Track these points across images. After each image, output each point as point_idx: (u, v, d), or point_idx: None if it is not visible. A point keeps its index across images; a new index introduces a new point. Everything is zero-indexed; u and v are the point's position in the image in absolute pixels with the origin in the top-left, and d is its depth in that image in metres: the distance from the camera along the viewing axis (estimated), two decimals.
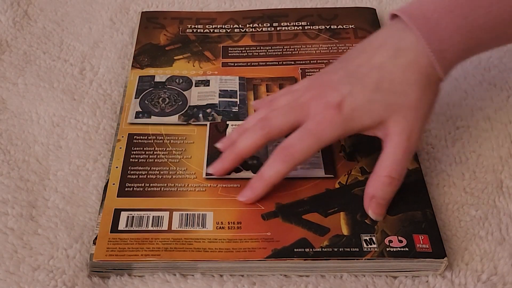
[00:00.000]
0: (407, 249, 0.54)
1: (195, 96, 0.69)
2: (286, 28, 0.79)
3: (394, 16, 0.58)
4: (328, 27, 0.79)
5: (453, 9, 0.55)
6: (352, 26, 0.78)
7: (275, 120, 0.58)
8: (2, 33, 0.78)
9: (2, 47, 0.76)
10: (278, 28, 0.79)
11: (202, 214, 0.57)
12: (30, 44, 0.77)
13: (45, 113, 0.68)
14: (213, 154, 0.62)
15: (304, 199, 0.58)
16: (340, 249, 0.54)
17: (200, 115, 0.67)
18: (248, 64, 0.74)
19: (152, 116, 0.66)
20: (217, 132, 0.65)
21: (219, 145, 0.61)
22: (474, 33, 0.56)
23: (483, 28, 0.56)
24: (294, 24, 0.79)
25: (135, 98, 0.68)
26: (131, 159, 0.62)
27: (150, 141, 0.64)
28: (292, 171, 0.57)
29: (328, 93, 0.56)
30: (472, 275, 0.55)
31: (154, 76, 0.71)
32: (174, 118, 0.66)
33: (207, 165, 0.61)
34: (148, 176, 0.60)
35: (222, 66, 0.73)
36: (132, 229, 0.56)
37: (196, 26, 0.79)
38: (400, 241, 0.55)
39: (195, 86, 0.70)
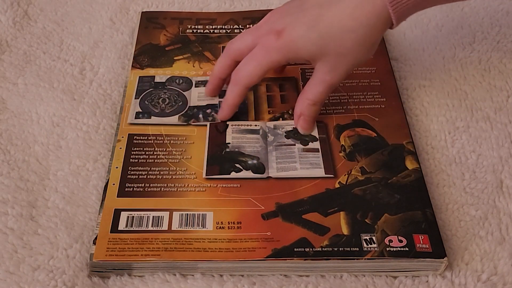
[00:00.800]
0: (407, 249, 0.54)
1: (195, 97, 0.69)
2: None
3: None
4: None
5: None
6: None
7: (235, 42, 0.65)
8: (2, 33, 0.78)
9: (2, 47, 0.76)
10: None
11: (202, 214, 0.57)
12: (30, 44, 0.77)
13: (45, 113, 0.68)
14: (213, 154, 0.62)
15: (304, 199, 0.58)
16: (340, 249, 0.54)
17: (200, 115, 0.67)
18: None
19: (152, 117, 0.66)
20: (217, 132, 0.65)
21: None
22: None
23: None
24: None
25: (135, 98, 0.68)
26: (131, 160, 0.62)
27: (150, 142, 0.64)
28: (245, 92, 0.63)
29: (275, 20, 0.62)
30: (472, 275, 0.55)
31: (154, 76, 0.71)
32: (174, 119, 0.66)
33: (207, 165, 0.61)
34: (148, 176, 0.60)
35: None
36: (132, 229, 0.56)
37: (196, 27, 0.79)
38: (400, 241, 0.55)
39: (195, 86, 0.70)
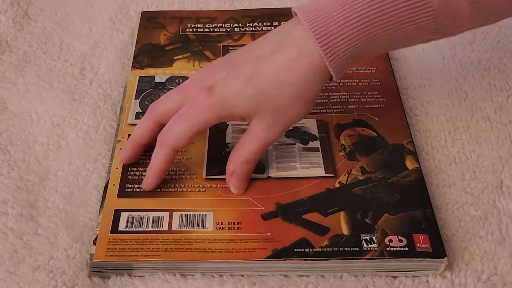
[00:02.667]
0: (407, 248, 0.54)
1: None
2: None
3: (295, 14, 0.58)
4: None
5: (344, 3, 0.54)
6: None
7: (160, 103, 0.59)
8: (2, 33, 0.78)
9: (2, 47, 0.76)
10: (275, 25, 0.79)
11: (202, 214, 0.57)
12: (30, 44, 0.77)
13: (45, 113, 0.68)
14: (213, 155, 0.62)
15: (304, 199, 0.58)
16: (340, 249, 0.54)
17: None
18: None
19: None
20: (217, 132, 0.65)
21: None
22: (367, 28, 0.53)
23: (376, 23, 0.53)
24: None
25: (135, 98, 0.68)
26: None
27: None
28: (174, 155, 0.58)
29: (205, 76, 0.57)
30: (472, 275, 0.55)
31: (154, 76, 0.71)
32: None
33: (208, 165, 0.61)
34: None
35: None
36: (132, 229, 0.56)
37: (196, 26, 0.79)
38: (400, 241, 0.55)
39: None
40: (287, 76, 0.55)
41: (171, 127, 0.57)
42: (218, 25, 0.79)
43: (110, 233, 0.55)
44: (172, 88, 0.69)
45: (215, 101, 0.55)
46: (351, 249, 0.54)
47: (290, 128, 0.64)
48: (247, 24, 0.79)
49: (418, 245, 0.54)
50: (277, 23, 0.79)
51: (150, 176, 0.59)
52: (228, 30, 0.78)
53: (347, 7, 0.53)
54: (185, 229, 0.56)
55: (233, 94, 0.55)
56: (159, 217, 0.57)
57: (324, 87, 0.70)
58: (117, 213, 0.57)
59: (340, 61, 0.54)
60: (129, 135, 0.63)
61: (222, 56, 0.74)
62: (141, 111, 0.67)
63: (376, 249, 0.54)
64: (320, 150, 0.63)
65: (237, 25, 0.79)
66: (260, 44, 0.57)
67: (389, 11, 0.53)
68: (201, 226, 0.56)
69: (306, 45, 0.54)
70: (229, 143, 0.64)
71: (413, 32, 0.54)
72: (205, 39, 0.77)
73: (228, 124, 0.65)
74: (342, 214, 0.57)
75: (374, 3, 0.53)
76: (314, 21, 0.54)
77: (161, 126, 0.59)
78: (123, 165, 0.61)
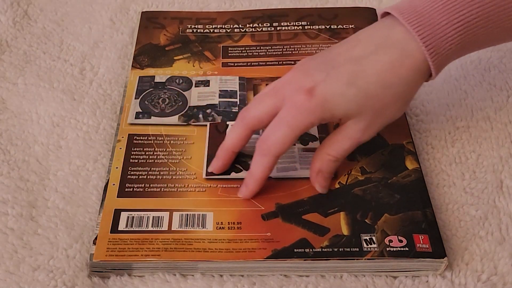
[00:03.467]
0: (407, 249, 0.54)
1: (195, 97, 0.69)
2: (286, 28, 0.79)
3: (384, 15, 0.58)
4: (328, 27, 0.78)
5: (445, 3, 0.54)
6: (352, 26, 0.78)
7: (252, 109, 0.58)
8: (2, 33, 0.78)
9: (2, 47, 0.76)
10: (278, 28, 0.79)
11: (202, 214, 0.57)
12: (30, 44, 0.77)
13: (45, 113, 0.68)
14: (213, 155, 0.62)
15: (304, 199, 0.58)
16: (340, 249, 0.54)
17: (200, 115, 0.67)
18: (248, 64, 0.74)
19: (152, 117, 0.66)
20: (217, 132, 0.65)
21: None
22: (469, 28, 0.54)
23: (478, 22, 0.54)
24: (294, 24, 0.79)
25: (135, 98, 0.68)
26: (131, 160, 0.62)
27: (150, 142, 0.64)
28: (276, 162, 0.57)
29: (301, 78, 0.56)
30: (472, 275, 0.55)
31: (154, 76, 0.71)
32: (174, 119, 0.66)
33: (207, 165, 0.61)
34: (148, 177, 0.60)
35: (222, 66, 0.73)
36: (132, 229, 0.56)
37: (196, 26, 0.79)
38: (400, 241, 0.55)
39: (195, 86, 0.70)
40: (390, 77, 0.54)
41: (271, 133, 0.56)
42: (218, 26, 0.79)
43: (110, 232, 0.55)
44: (172, 88, 0.69)
45: (317, 102, 0.54)
46: (351, 249, 0.54)
47: None
48: (247, 25, 0.79)
49: (418, 245, 0.54)
50: (277, 23, 0.79)
51: (252, 185, 0.58)
52: (228, 31, 0.78)
53: (449, 7, 0.54)
54: (185, 229, 0.56)
55: (336, 95, 0.54)
56: (159, 217, 0.57)
57: None
58: (117, 213, 0.57)
59: (441, 62, 0.55)
60: (129, 134, 0.63)
61: (222, 56, 0.74)
62: (141, 111, 0.67)
63: (376, 249, 0.54)
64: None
65: (237, 26, 0.79)
66: (357, 45, 0.56)
67: (489, 10, 0.54)
68: (201, 226, 0.56)
69: (408, 46, 0.54)
70: None
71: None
72: (205, 40, 0.77)
73: (228, 124, 0.65)
74: (342, 214, 0.57)
75: (475, 2, 0.53)
76: (416, 21, 0.54)
77: (253, 133, 0.58)
78: (123, 164, 0.61)
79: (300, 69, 0.57)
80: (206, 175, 0.60)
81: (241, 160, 0.62)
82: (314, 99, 0.54)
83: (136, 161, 0.62)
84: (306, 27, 0.79)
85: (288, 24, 0.79)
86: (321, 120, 0.55)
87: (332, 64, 0.56)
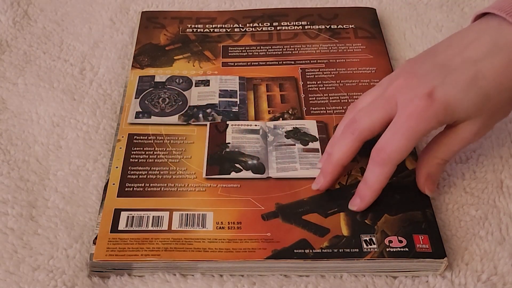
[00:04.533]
0: (407, 249, 0.54)
1: (195, 96, 0.69)
2: (286, 27, 0.79)
3: (478, 17, 0.57)
4: (328, 27, 0.78)
5: None
6: (352, 26, 0.78)
7: (363, 120, 0.56)
8: (2, 33, 0.78)
9: (2, 47, 0.76)
10: (278, 28, 0.79)
11: (202, 214, 0.57)
12: (30, 44, 0.77)
13: (45, 113, 0.68)
14: (213, 154, 0.62)
15: (304, 200, 0.58)
16: (340, 250, 0.54)
17: (200, 115, 0.67)
18: (248, 63, 0.74)
19: (152, 116, 0.66)
20: (217, 132, 0.65)
21: (319, 164, 0.60)
22: None
23: None
24: (294, 23, 0.79)
25: (135, 98, 0.68)
26: (131, 159, 0.62)
27: (150, 141, 0.64)
28: (393, 171, 0.55)
29: (415, 83, 0.54)
30: (472, 275, 0.55)
31: (154, 76, 0.71)
32: (174, 118, 0.66)
33: (207, 165, 0.61)
34: (148, 176, 0.60)
35: (222, 66, 0.73)
36: (132, 229, 0.56)
37: (196, 26, 0.79)
38: (400, 241, 0.54)
39: (195, 86, 0.70)
40: (507, 80, 0.54)
41: (390, 142, 0.54)
42: (218, 26, 0.79)
43: (110, 232, 0.55)
44: (172, 88, 0.69)
45: (439, 106, 0.53)
46: (351, 250, 0.54)
47: (290, 129, 0.65)
48: (247, 25, 0.79)
49: (418, 245, 0.54)
50: (277, 23, 0.79)
51: (369, 196, 0.56)
52: (228, 30, 0.78)
53: None
54: (185, 229, 0.56)
55: (457, 98, 0.53)
56: (159, 216, 0.57)
57: (324, 88, 0.70)
58: (117, 213, 0.57)
59: None
60: (129, 134, 0.63)
61: (222, 56, 0.74)
62: (141, 110, 0.67)
63: (376, 249, 0.54)
64: (320, 151, 0.63)
65: (237, 26, 0.79)
66: (469, 47, 0.55)
67: None
68: (201, 226, 0.56)
69: None
70: (229, 143, 0.64)
71: None
72: (205, 40, 0.77)
73: (228, 124, 0.65)
74: (342, 215, 0.57)
75: None
76: None
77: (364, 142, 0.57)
78: (123, 164, 0.61)
79: (409, 73, 0.56)
80: (206, 175, 0.60)
81: (241, 160, 0.62)
82: (435, 104, 0.53)
83: (136, 160, 0.62)
84: (306, 27, 0.79)
85: (288, 24, 0.79)
86: (441, 124, 0.54)
87: (448, 67, 0.54)
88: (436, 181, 0.58)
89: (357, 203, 0.57)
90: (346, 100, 0.68)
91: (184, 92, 0.69)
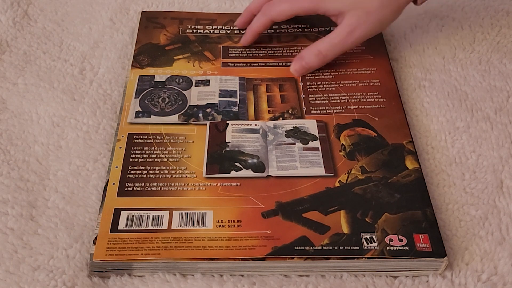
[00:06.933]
0: (407, 248, 0.54)
1: (195, 96, 0.69)
2: (286, 30, 0.79)
3: None
4: (327, 29, 0.78)
5: None
6: None
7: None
8: (2, 33, 0.78)
9: (2, 47, 0.76)
10: (278, 30, 0.79)
11: (202, 212, 0.57)
12: (30, 44, 0.77)
13: (45, 113, 0.68)
14: (213, 153, 0.62)
15: (304, 198, 0.58)
16: (341, 248, 0.54)
17: (200, 114, 0.67)
18: (248, 64, 0.74)
19: (152, 116, 0.66)
20: (217, 131, 0.65)
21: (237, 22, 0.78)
22: None
23: None
24: (294, 26, 0.79)
25: (135, 97, 0.68)
26: (131, 159, 0.62)
27: (150, 141, 0.64)
28: (270, 24, 0.73)
29: None
30: (472, 275, 0.55)
31: (154, 76, 0.71)
32: (174, 118, 0.66)
33: (207, 164, 0.61)
34: (148, 176, 0.60)
35: (222, 66, 0.73)
36: (132, 228, 0.56)
37: (196, 27, 0.79)
38: (401, 240, 0.54)
39: (195, 86, 0.70)
40: None
41: (277, 3, 0.71)
42: (218, 27, 0.79)
43: (110, 232, 0.55)
44: (172, 87, 0.69)
45: None
46: (351, 247, 0.54)
47: (290, 128, 0.65)
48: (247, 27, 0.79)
49: (418, 244, 0.54)
50: (277, 26, 0.79)
51: (248, 34, 0.74)
52: (228, 32, 0.79)
53: None
54: (185, 228, 0.55)
55: None
56: (159, 215, 0.56)
57: (324, 88, 0.70)
58: (116, 212, 0.57)
59: None
60: (129, 133, 0.64)
61: (222, 56, 0.74)
62: (141, 110, 0.67)
63: (376, 248, 0.54)
64: (320, 150, 0.63)
65: (236, 28, 0.79)
66: None
67: None
68: (201, 224, 0.56)
69: None
70: (229, 142, 0.64)
71: None
72: (205, 40, 0.77)
73: (228, 123, 0.65)
74: (342, 213, 0.57)
75: None
76: None
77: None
78: (123, 164, 0.61)
79: None
80: (206, 174, 0.60)
81: (240, 159, 0.62)
82: None
83: (136, 160, 0.62)
84: (306, 29, 0.79)
85: (288, 26, 0.79)
86: (317, 9, 0.70)
87: None
88: (306, 68, 0.71)
89: (242, 39, 0.75)
90: (346, 100, 0.68)
91: (184, 92, 0.69)
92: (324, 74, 0.72)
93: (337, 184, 0.60)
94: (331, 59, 0.71)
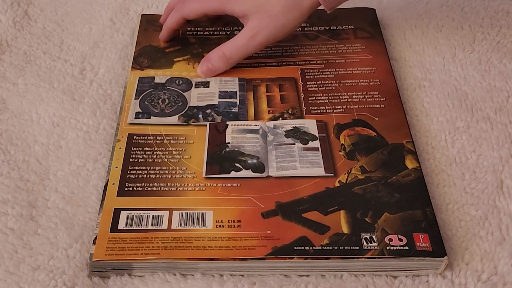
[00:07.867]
0: (407, 247, 0.54)
1: (195, 97, 0.69)
2: None
3: None
4: (327, 28, 0.79)
5: None
6: (352, 26, 0.79)
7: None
8: (2, 33, 0.78)
9: (2, 47, 0.76)
10: None
11: (202, 213, 0.57)
12: (30, 44, 0.77)
13: (45, 113, 0.68)
14: (213, 154, 0.62)
15: (304, 198, 0.58)
16: (340, 248, 0.54)
17: (200, 115, 0.67)
18: (247, 65, 0.74)
19: (152, 117, 0.66)
20: (217, 132, 0.65)
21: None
22: None
23: None
24: None
25: (134, 98, 0.68)
26: (131, 159, 0.62)
27: (150, 141, 0.64)
28: (182, 22, 0.74)
29: None
30: (472, 275, 0.55)
31: (154, 77, 0.71)
32: (174, 119, 0.66)
33: (207, 164, 0.61)
34: (148, 176, 0.60)
35: None
36: (131, 228, 0.56)
37: (196, 29, 0.79)
38: (400, 240, 0.54)
39: (195, 87, 0.70)
40: None
41: (189, 1, 0.73)
42: (218, 28, 0.79)
43: (110, 232, 0.55)
44: (172, 89, 0.70)
45: None
46: (351, 247, 0.54)
47: (290, 128, 0.65)
48: None
49: (418, 244, 0.54)
50: None
51: (164, 31, 0.76)
52: (228, 33, 0.79)
53: None
54: (185, 228, 0.56)
55: None
56: (158, 215, 0.56)
57: (324, 88, 0.70)
58: (116, 212, 0.57)
59: None
60: (129, 134, 0.64)
61: None
62: (141, 111, 0.67)
63: (376, 248, 0.54)
64: (319, 149, 0.63)
65: (236, 28, 0.79)
66: None
67: None
68: (201, 224, 0.56)
69: None
70: (228, 142, 0.64)
71: None
72: (205, 42, 0.77)
73: (227, 124, 0.65)
74: (342, 213, 0.57)
75: None
76: None
77: None
78: (122, 164, 0.61)
79: None
80: (206, 174, 0.60)
81: (240, 159, 0.62)
82: None
83: (136, 160, 0.62)
84: (305, 28, 0.79)
85: None
86: (224, 10, 0.71)
87: None
88: (212, 70, 0.71)
89: (160, 35, 0.77)
90: (346, 100, 0.68)
91: (184, 93, 0.69)
92: (324, 73, 0.72)
93: (337, 184, 0.60)
94: (236, 62, 0.71)
